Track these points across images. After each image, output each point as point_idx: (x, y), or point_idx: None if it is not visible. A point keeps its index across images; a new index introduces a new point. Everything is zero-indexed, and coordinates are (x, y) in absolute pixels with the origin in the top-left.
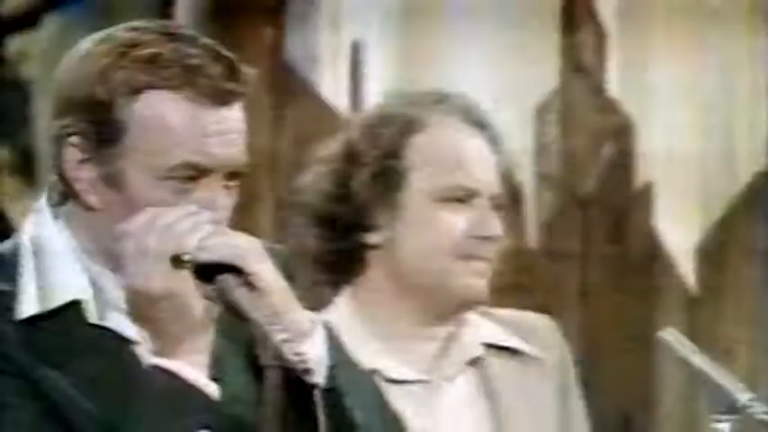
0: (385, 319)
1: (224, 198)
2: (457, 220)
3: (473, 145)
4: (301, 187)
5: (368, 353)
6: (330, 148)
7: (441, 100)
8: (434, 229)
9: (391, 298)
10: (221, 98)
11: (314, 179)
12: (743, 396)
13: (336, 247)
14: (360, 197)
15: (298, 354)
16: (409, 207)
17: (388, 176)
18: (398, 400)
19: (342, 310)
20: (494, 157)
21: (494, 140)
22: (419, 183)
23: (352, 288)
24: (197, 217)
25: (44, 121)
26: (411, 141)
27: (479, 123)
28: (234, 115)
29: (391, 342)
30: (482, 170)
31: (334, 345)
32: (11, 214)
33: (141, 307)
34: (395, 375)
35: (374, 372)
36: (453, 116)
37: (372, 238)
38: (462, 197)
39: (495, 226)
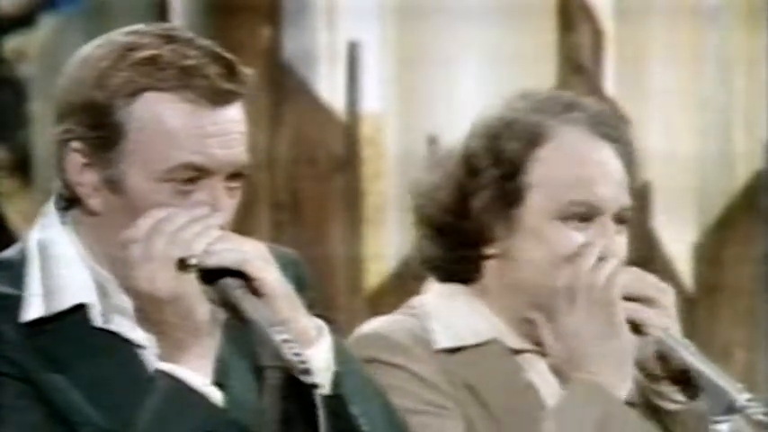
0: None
1: (226, 199)
2: (575, 239)
3: (598, 159)
4: (420, 192)
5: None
6: (450, 151)
7: (568, 107)
8: (551, 246)
9: (502, 304)
10: (220, 98)
11: (433, 187)
12: (741, 396)
13: (453, 256)
14: (479, 214)
15: (297, 354)
16: (527, 223)
17: (509, 195)
18: (525, 368)
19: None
20: (622, 169)
21: (624, 151)
22: (539, 200)
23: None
24: (206, 221)
25: (41, 121)
26: (534, 155)
27: (608, 134)
28: (234, 116)
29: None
30: (606, 187)
31: (342, 352)
32: (8, 214)
33: (147, 310)
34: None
35: (494, 340)
36: (580, 126)
37: (489, 249)
38: (583, 215)
39: (615, 247)
